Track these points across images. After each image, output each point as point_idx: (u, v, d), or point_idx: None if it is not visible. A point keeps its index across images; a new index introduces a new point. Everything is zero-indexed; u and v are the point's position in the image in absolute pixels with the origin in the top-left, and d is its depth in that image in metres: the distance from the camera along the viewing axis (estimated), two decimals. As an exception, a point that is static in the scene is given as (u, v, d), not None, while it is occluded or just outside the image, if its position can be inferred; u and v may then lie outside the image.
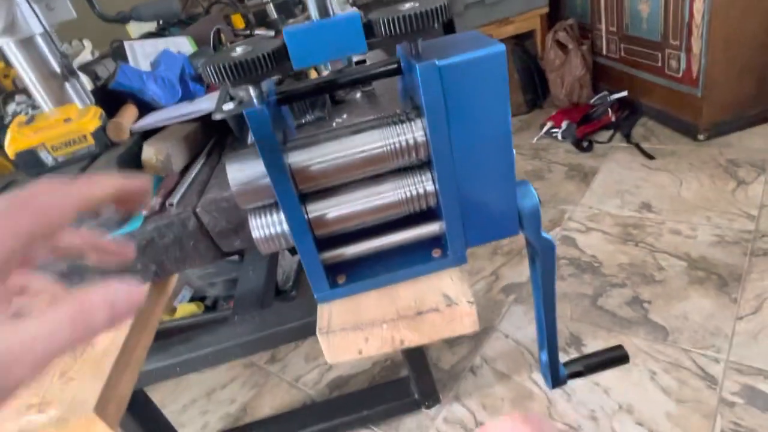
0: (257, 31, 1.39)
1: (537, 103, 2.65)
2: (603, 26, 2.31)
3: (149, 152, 0.60)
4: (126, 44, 0.98)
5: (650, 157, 1.90)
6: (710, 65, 1.77)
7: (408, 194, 0.42)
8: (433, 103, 0.36)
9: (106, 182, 0.25)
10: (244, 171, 0.38)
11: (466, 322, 0.42)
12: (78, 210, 0.23)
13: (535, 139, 2.28)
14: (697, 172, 1.73)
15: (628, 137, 2.07)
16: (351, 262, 0.46)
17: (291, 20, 1.40)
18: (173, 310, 1.62)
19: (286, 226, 0.41)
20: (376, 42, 0.36)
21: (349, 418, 1.14)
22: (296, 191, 0.39)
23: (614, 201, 1.71)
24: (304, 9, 1.68)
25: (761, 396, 0.99)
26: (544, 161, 2.10)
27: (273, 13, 1.56)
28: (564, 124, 2.17)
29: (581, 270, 1.45)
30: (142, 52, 1.00)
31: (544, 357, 0.57)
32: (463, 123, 0.38)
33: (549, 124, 2.24)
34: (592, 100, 2.31)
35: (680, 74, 1.90)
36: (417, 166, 0.43)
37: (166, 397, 1.45)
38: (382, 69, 0.43)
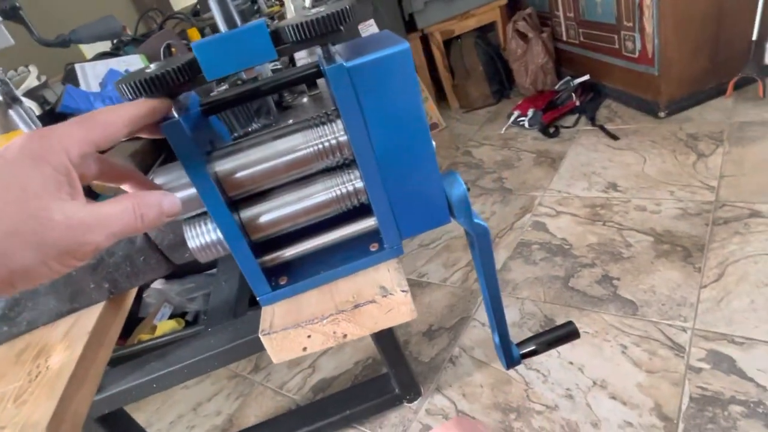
0: (213, 43, 1.39)
1: (504, 94, 2.68)
2: (561, 13, 2.36)
3: (95, 172, 0.61)
4: (77, 66, 0.98)
5: (615, 137, 1.94)
6: (664, 44, 1.81)
7: (339, 193, 0.44)
8: (346, 103, 0.38)
9: (142, 104, 0.33)
10: (170, 183, 0.39)
11: (403, 310, 0.43)
12: (128, 127, 0.31)
13: (504, 129, 2.31)
14: (659, 148, 1.78)
15: (592, 120, 2.11)
16: (292, 263, 0.47)
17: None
18: (154, 328, 1.62)
19: (221, 233, 0.42)
20: (285, 48, 0.37)
21: (333, 419, 1.15)
22: (226, 198, 0.40)
23: (582, 183, 1.74)
24: (262, 17, 1.69)
25: (725, 359, 1.03)
26: (513, 150, 2.13)
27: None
28: (530, 112, 2.20)
29: (552, 253, 1.48)
30: (94, 74, 1.00)
31: (497, 339, 0.58)
32: (379, 120, 0.39)
33: (516, 113, 2.28)
34: (556, 87, 2.36)
35: (636, 55, 1.95)
36: (346, 165, 0.44)
37: (152, 416, 1.45)
38: (304, 73, 0.44)
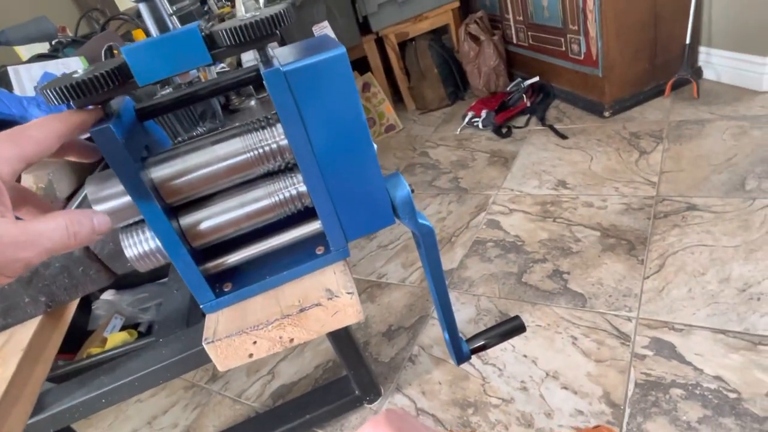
0: (159, 45, 1.35)
1: (458, 95, 2.74)
2: (511, 16, 2.43)
3: (28, 181, 0.58)
4: (10, 69, 0.93)
5: (563, 137, 2.01)
6: (606, 47, 1.90)
7: (281, 197, 0.43)
8: (284, 106, 0.38)
9: (72, 117, 0.33)
10: (103, 191, 0.38)
11: (349, 312, 0.44)
12: (59, 141, 0.31)
13: (459, 130, 2.36)
14: (604, 146, 1.86)
15: (542, 120, 2.18)
16: (237, 269, 0.47)
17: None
18: (104, 341, 1.55)
19: (159, 241, 0.41)
20: (220, 53, 0.37)
21: (293, 425, 1.14)
22: (163, 205, 0.40)
23: (533, 182, 1.80)
24: (210, 19, 1.66)
25: (666, 346, 1.08)
26: (467, 150, 2.18)
27: (177, 27, 1.52)
28: (483, 113, 2.26)
29: (506, 250, 1.52)
30: (29, 76, 0.95)
31: (447, 336, 0.60)
32: (318, 123, 0.39)
33: (470, 115, 2.33)
34: (508, 88, 2.42)
35: (582, 57, 2.03)
36: (288, 168, 0.44)
37: (103, 433, 1.39)
38: (243, 77, 0.44)
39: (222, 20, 1.71)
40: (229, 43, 0.36)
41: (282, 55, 0.40)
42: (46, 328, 0.56)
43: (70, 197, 0.62)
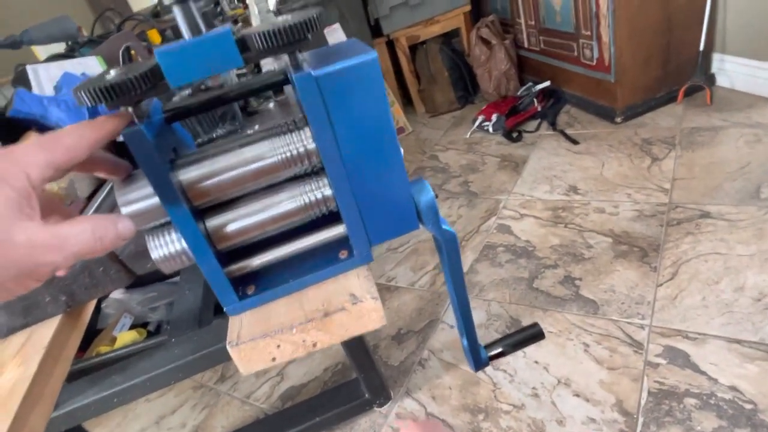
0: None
1: (469, 99, 2.73)
2: (522, 21, 2.42)
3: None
4: (29, 68, 0.94)
5: (575, 142, 2.00)
6: (619, 52, 1.89)
7: (307, 200, 0.43)
8: (314, 111, 0.38)
9: (104, 125, 0.33)
10: (131, 193, 0.38)
11: (373, 317, 0.43)
12: (91, 149, 0.31)
13: (469, 133, 2.35)
14: (616, 152, 1.85)
15: (553, 125, 2.17)
16: (260, 272, 0.46)
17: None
18: (113, 340, 1.56)
19: (185, 243, 0.41)
20: (252, 56, 0.37)
21: (302, 427, 1.14)
22: (190, 207, 0.40)
23: (544, 187, 1.79)
24: (224, 21, 1.66)
25: (680, 354, 1.07)
26: (477, 154, 2.17)
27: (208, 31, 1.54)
28: (494, 117, 2.25)
29: (517, 255, 1.51)
30: (47, 76, 0.96)
31: (465, 342, 0.59)
32: (347, 128, 0.39)
33: (480, 118, 2.32)
34: (518, 92, 2.42)
35: (594, 62, 2.02)
36: (314, 172, 0.44)
37: (113, 431, 1.40)
38: (271, 81, 0.44)
39: (235, 22, 1.72)
40: (261, 47, 0.36)
41: (312, 59, 0.40)
42: (65, 328, 0.56)
43: (90, 196, 0.62)
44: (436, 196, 0.45)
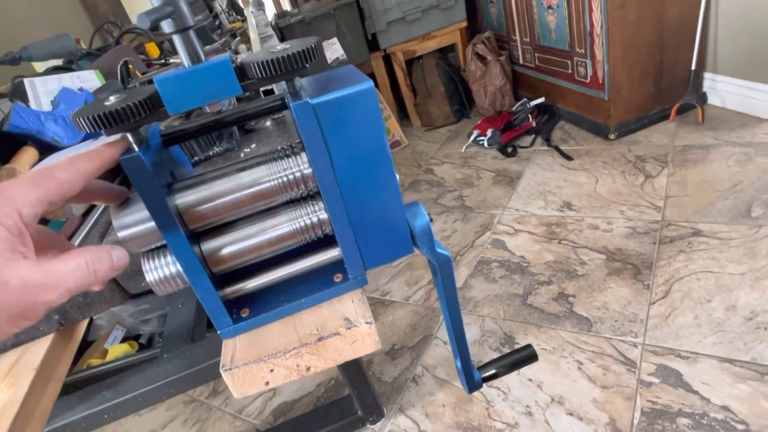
0: (172, 60, 1.37)
1: (464, 113, 2.75)
2: (518, 37, 2.45)
3: (45, 197, 0.58)
4: (26, 81, 0.94)
5: (569, 158, 2.02)
6: (613, 70, 1.91)
7: (303, 224, 0.44)
8: (311, 137, 0.38)
9: (101, 156, 0.33)
10: (127, 217, 0.38)
11: (367, 342, 0.43)
12: (85, 181, 0.31)
13: (464, 148, 2.37)
14: (610, 169, 1.87)
15: (548, 141, 2.19)
16: (254, 294, 0.47)
17: (208, 47, 1.39)
18: (105, 352, 1.54)
19: (180, 266, 0.41)
20: (250, 84, 0.38)
21: (294, 444, 1.13)
22: (186, 231, 0.40)
23: (538, 202, 1.80)
24: (222, 34, 1.68)
25: (673, 373, 1.08)
26: (473, 168, 2.18)
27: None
28: (489, 132, 2.27)
29: (511, 271, 1.51)
30: (44, 89, 0.96)
31: (459, 364, 0.59)
32: (343, 154, 0.40)
33: (475, 133, 2.34)
34: (513, 108, 2.44)
35: (588, 80, 2.05)
36: (310, 196, 0.45)
37: (101, 446, 1.37)
38: (268, 105, 0.44)
39: (234, 35, 1.73)
40: (260, 75, 0.36)
41: (309, 86, 0.40)
42: (58, 346, 0.55)
43: (85, 214, 0.62)
44: (431, 220, 0.45)
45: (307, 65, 0.38)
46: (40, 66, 1.37)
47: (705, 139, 1.85)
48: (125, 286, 0.55)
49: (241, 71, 0.37)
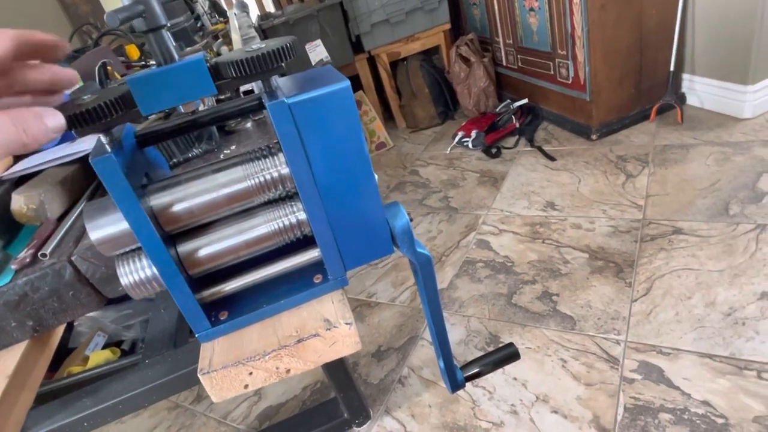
0: (153, 62, 1.35)
1: (449, 115, 2.77)
2: (501, 39, 2.47)
3: (18, 201, 0.57)
4: (1, 83, 0.91)
5: (552, 158, 2.04)
6: (594, 72, 1.94)
7: (281, 225, 0.43)
8: (287, 137, 0.38)
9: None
10: (101, 218, 0.37)
11: (348, 343, 0.43)
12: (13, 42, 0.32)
13: (449, 149, 2.38)
14: (592, 169, 1.89)
15: (531, 141, 2.21)
16: (233, 297, 0.46)
17: (189, 48, 1.38)
18: (86, 359, 1.51)
19: (156, 270, 0.40)
20: (225, 83, 0.37)
21: (280, 448, 1.12)
22: (162, 233, 0.39)
23: (522, 202, 1.81)
24: (204, 36, 1.66)
25: (655, 369, 1.09)
26: (458, 169, 2.19)
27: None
28: (473, 133, 2.28)
29: (496, 271, 1.52)
30: (20, 91, 0.94)
31: (442, 364, 0.59)
32: (321, 154, 0.39)
33: (460, 134, 2.35)
34: (497, 109, 2.46)
35: (570, 81, 2.07)
36: (288, 197, 0.44)
37: (82, 455, 1.35)
38: (245, 106, 0.44)
39: (216, 37, 1.72)
40: (234, 75, 0.36)
41: (286, 86, 0.40)
42: (32, 353, 0.54)
43: (61, 217, 0.61)
44: (411, 220, 0.45)
45: (283, 64, 0.37)
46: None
47: (684, 139, 1.88)
48: (102, 291, 0.54)
49: (216, 70, 0.36)
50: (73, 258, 0.52)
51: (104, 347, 1.57)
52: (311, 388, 1.33)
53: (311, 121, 0.38)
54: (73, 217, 0.59)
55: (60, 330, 0.60)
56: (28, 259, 0.52)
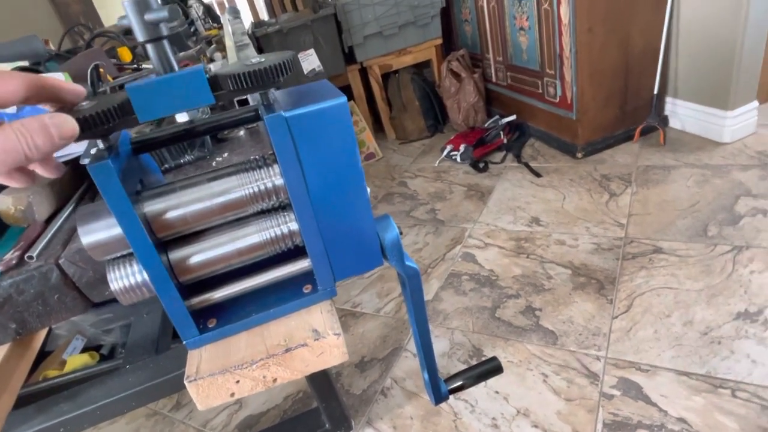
0: (145, 65, 1.35)
1: (438, 128, 2.80)
2: (491, 56, 2.52)
3: (6, 202, 0.57)
4: (-11, 81, 0.91)
5: (538, 174, 2.07)
6: (581, 92, 1.98)
7: (273, 235, 0.44)
8: (283, 150, 0.39)
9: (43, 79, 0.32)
10: (94, 223, 0.38)
11: (335, 353, 0.44)
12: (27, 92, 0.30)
13: (437, 162, 2.40)
14: (576, 186, 1.92)
15: (518, 157, 2.24)
16: (222, 304, 0.46)
17: (182, 54, 1.38)
18: (63, 363, 1.49)
19: (146, 275, 0.40)
20: (223, 94, 0.38)
21: (259, 458, 1.11)
22: (154, 240, 0.39)
23: (508, 217, 1.84)
24: (198, 41, 1.66)
25: (633, 386, 1.11)
26: (445, 182, 2.22)
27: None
28: (462, 147, 2.31)
29: (481, 284, 1.54)
30: (9, 90, 0.93)
31: (426, 376, 0.60)
32: (315, 167, 0.40)
33: (449, 148, 2.38)
34: (486, 124, 2.49)
35: (557, 100, 2.11)
36: (281, 207, 0.45)
37: (55, 462, 1.31)
38: (241, 116, 0.45)
39: (209, 43, 1.72)
40: (233, 87, 0.37)
41: (282, 99, 0.41)
42: (13, 357, 0.54)
43: (49, 220, 0.61)
44: (401, 233, 0.46)
45: (281, 79, 0.38)
46: (5, 66, 1.32)
47: (666, 160, 1.93)
48: (88, 295, 0.54)
49: (215, 82, 0.37)
50: (60, 261, 0.51)
51: (82, 351, 1.54)
52: (293, 397, 1.32)
53: (308, 134, 0.39)
54: (61, 220, 0.59)
55: (42, 333, 0.60)
56: (14, 261, 0.52)
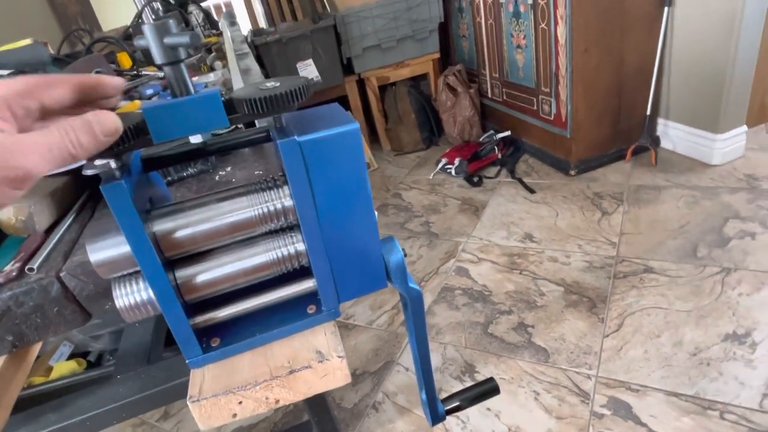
0: (145, 71, 1.35)
1: (433, 141, 2.82)
2: (487, 72, 2.55)
3: (7, 212, 0.56)
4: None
5: (531, 191, 2.09)
6: (575, 110, 2.01)
7: (279, 255, 0.44)
8: (295, 173, 0.39)
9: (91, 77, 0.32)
10: (102, 241, 0.38)
11: (338, 375, 0.44)
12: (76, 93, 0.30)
13: (432, 174, 2.42)
14: (569, 204, 1.94)
15: (512, 173, 2.27)
16: (226, 323, 0.46)
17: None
18: (49, 370, 1.46)
19: (152, 293, 0.40)
20: (238, 118, 0.38)
21: (248, 472, 1.09)
22: (162, 258, 0.40)
23: (501, 232, 1.85)
24: (198, 49, 1.66)
25: (623, 406, 1.12)
26: (440, 195, 2.23)
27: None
28: (457, 161, 2.33)
29: (474, 299, 1.54)
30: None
31: (424, 396, 0.60)
32: (325, 190, 0.41)
33: (444, 161, 2.39)
34: (481, 139, 2.52)
35: (552, 117, 2.14)
36: (288, 227, 0.45)
37: (37, 472, 1.29)
38: (252, 137, 0.45)
39: (209, 50, 1.72)
40: (248, 112, 0.37)
41: (295, 122, 0.41)
42: (9, 370, 0.53)
43: (50, 230, 0.60)
44: (405, 255, 0.47)
45: (296, 104, 0.39)
46: (3, 70, 1.31)
47: (657, 181, 1.96)
48: (88, 308, 0.53)
49: (230, 105, 0.38)
50: (62, 274, 0.51)
51: (69, 358, 1.52)
52: (283, 410, 1.31)
53: (320, 159, 0.39)
54: (62, 231, 0.59)
55: (38, 346, 0.59)
56: (14, 273, 0.51)
